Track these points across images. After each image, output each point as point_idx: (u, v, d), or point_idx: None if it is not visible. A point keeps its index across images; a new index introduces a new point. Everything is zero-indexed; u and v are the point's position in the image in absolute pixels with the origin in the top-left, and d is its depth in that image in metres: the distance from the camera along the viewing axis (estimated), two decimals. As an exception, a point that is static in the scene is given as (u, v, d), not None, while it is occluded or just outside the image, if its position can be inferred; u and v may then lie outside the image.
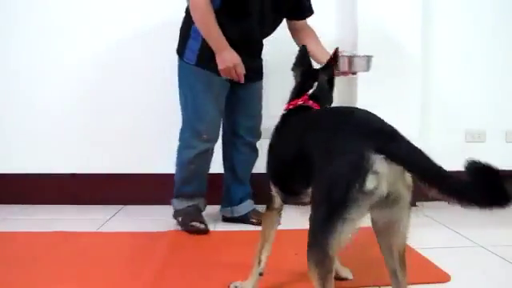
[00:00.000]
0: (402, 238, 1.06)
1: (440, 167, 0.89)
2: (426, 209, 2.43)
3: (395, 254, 1.08)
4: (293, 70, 1.57)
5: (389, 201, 0.97)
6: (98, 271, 1.57)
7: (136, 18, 2.52)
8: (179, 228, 2.09)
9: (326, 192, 0.97)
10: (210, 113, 1.99)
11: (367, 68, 1.77)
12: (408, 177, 0.98)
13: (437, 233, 2.07)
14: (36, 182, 2.53)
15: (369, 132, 0.98)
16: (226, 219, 2.26)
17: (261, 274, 1.40)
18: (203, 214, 2.15)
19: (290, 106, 1.43)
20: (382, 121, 1.04)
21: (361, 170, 0.91)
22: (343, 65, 1.73)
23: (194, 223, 2.00)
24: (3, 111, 2.57)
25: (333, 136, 1.01)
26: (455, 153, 2.65)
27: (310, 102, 1.40)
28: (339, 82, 2.59)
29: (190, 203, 2.09)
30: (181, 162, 2.06)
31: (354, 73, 1.84)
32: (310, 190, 1.06)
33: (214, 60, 1.88)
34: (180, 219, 2.07)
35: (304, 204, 1.20)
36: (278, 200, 1.35)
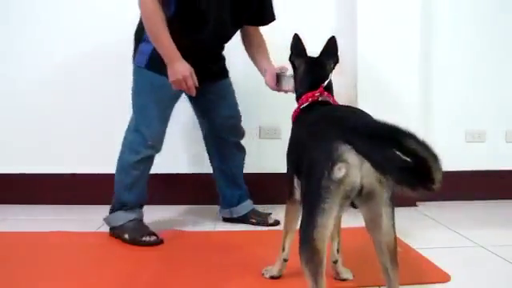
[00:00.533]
0: (386, 234, 1.07)
1: (398, 161, 0.88)
2: (426, 209, 2.43)
3: (385, 250, 1.09)
4: (291, 59, 1.56)
5: (364, 195, 1.00)
6: (98, 271, 1.57)
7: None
8: (178, 228, 2.09)
9: (304, 184, 1.04)
10: (157, 119, 1.91)
11: None
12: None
13: (437, 233, 2.07)
14: (36, 182, 2.53)
15: (344, 126, 1.01)
16: (226, 220, 2.26)
17: (285, 260, 1.46)
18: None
19: (310, 99, 1.41)
20: (369, 118, 1.09)
21: (330, 159, 0.95)
22: (286, 84, 1.78)
23: (144, 238, 1.85)
24: (3, 111, 2.57)
25: (313, 132, 1.09)
26: (455, 153, 2.68)
27: (325, 93, 1.42)
28: (339, 82, 2.61)
29: (131, 216, 1.93)
30: (123, 167, 1.94)
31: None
32: None
33: (166, 65, 1.78)
34: (127, 236, 1.87)
35: None
36: (298, 192, 1.35)
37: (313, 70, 1.50)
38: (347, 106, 1.35)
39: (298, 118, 1.42)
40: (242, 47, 2.06)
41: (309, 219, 0.99)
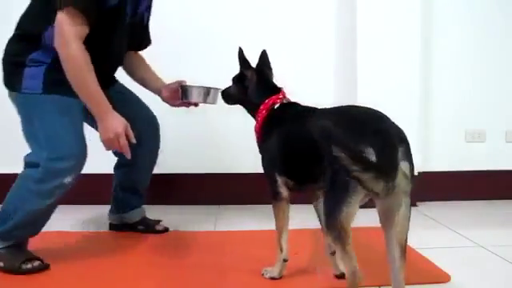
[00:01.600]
0: (401, 225, 1.12)
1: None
2: (426, 209, 2.43)
3: (396, 244, 1.13)
4: (245, 70, 1.59)
5: (390, 188, 1.04)
6: (98, 272, 1.57)
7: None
8: (178, 228, 2.09)
9: (330, 177, 1.12)
10: (74, 143, 1.56)
11: (213, 100, 1.78)
12: (405, 166, 1.08)
13: (437, 233, 2.07)
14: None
15: (365, 130, 1.11)
16: (112, 226, 2.06)
17: (285, 260, 1.47)
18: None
19: (278, 101, 1.51)
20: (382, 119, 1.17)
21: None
22: (197, 96, 1.78)
23: (25, 266, 1.53)
24: (3, 112, 2.57)
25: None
26: (455, 153, 2.68)
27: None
28: (339, 82, 2.62)
29: (8, 243, 1.57)
30: (24, 209, 1.53)
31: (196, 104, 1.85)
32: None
33: (65, 82, 1.52)
34: (2, 265, 1.54)
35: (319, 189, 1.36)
36: (284, 190, 1.44)
37: (267, 78, 1.60)
38: (349, 106, 1.34)
39: (275, 120, 1.47)
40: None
41: (338, 206, 1.09)
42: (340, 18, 2.60)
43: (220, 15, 2.58)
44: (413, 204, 2.61)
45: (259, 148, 1.54)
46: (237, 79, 1.63)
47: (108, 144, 1.59)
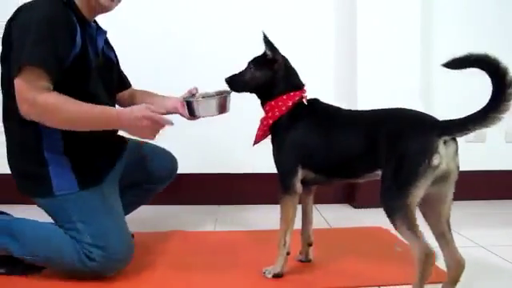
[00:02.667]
0: (448, 206, 1.30)
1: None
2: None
3: (443, 220, 1.31)
4: (276, 54, 1.51)
5: (444, 176, 1.24)
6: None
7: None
8: (178, 228, 2.09)
9: (394, 167, 1.25)
10: (119, 232, 1.49)
11: (217, 110, 1.58)
12: (457, 157, 1.27)
13: (437, 233, 2.07)
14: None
15: (429, 123, 1.30)
16: None
17: (288, 254, 1.49)
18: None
19: (298, 98, 1.51)
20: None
21: (429, 151, 1.21)
22: (205, 110, 1.58)
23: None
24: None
25: (405, 128, 1.30)
26: (455, 153, 2.68)
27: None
28: (339, 82, 2.62)
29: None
30: (57, 263, 1.47)
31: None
32: (378, 172, 1.33)
33: (93, 166, 1.49)
34: None
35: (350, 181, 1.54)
36: (300, 184, 1.46)
37: (293, 69, 1.57)
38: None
39: (305, 113, 1.48)
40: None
41: (405, 192, 1.22)
42: (340, 18, 2.60)
43: (220, 15, 2.58)
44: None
45: (278, 138, 1.51)
46: (260, 63, 1.54)
47: (148, 133, 1.47)
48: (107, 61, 1.65)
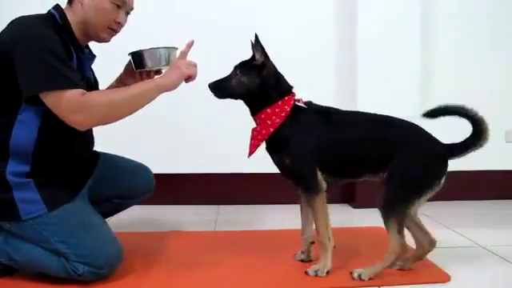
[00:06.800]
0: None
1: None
2: (426, 209, 2.43)
3: (413, 213, 1.50)
4: (265, 59, 1.47)
5: None
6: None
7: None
8: (178, 228, 2.09)
9: (401, 178, 1.43)
10: (102, 244, 1.43)
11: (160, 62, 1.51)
12: None
13: (437, 233, 2.06)
14: None
15: (441, 147, 1.53)
16: None
17: (334, 247, 1.52)
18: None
19: (292, 102, 1.50)
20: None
21: (442, 173, 1.48)
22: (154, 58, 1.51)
23: None
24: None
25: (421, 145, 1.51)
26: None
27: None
28: (339, 81, 2.62)
29: None
30: (39, 267, 1.44)
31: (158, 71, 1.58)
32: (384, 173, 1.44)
33: (62, 185, 1.45)
34: None
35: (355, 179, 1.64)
36: (323, 182, 1.48)
37: (280, 73, 1.53)
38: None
39: (305, 118, 1.49)
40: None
41: (409, 201, 1.42)
42: (340, 18, 2.60)
43: (219, 15, 2.58)
44: (413, 204, 2.58)
45: (288, 145, 1.46)
46: (247, 68, 1.48)
47: (191, 70, 1.48)
48: (88, 83, 1.58)
